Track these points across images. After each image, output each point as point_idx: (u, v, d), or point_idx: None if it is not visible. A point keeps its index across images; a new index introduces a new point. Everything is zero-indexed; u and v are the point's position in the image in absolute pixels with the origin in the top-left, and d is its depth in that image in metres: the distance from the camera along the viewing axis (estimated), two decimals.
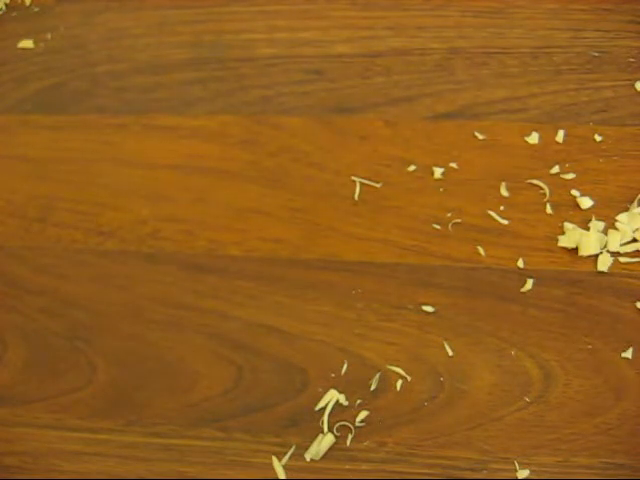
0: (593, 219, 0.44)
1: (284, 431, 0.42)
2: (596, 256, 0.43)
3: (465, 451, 0.41)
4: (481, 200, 0.46)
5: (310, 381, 0.43)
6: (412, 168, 0.47)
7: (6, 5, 0.56)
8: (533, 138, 0.47)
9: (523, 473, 0.40)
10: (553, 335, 0.42)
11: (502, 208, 0.46)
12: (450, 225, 0.46)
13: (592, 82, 0.48)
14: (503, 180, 0.46)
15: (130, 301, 0.46)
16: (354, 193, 0.47)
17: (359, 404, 0.42)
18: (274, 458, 0.42)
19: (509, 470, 0.40)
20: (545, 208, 0.45)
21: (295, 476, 0.41)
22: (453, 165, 0.47)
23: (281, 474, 0.41)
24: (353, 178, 0.47)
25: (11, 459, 0.43)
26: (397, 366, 0.43)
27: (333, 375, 0.43)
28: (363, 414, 0.42)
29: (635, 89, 0.48)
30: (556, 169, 0.46)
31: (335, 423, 0.42)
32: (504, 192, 0.46)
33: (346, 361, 0.43)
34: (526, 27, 0.50)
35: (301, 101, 0.50)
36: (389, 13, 0.52)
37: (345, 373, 0.43)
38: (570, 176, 0.46)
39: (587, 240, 0.43)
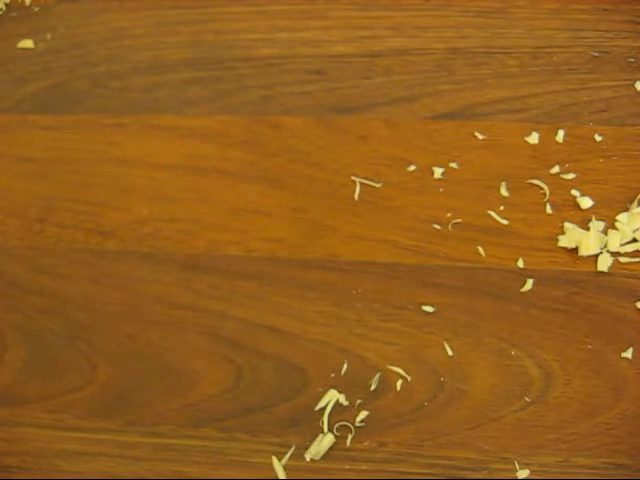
0: (593, 219, 0.44)
1: (284, 431, 0.42)
2: (596, 256, 0.43)
3: (465, 451, 0.41)
4: (481, 200, 0.46)
5: (310, 381, 0.43)
6: (412, 168, 0.47)
7: (6, 5, 0.56)
8: (533, 138, 0.47)
9: (523, 473, 0.40)
10: (553, 335, 0.42)
11: (502, 208, 0.46)
12: (450, 225, 0.46)
13: (592, 82, 0.48)
14: (503, 180, 0.46)
15: (130, 301, 0.46)
16: (354, 193, 0.47)
17: (359, 404, 0.42)
18: (274, 458, 0.42)
19: (509, 470, 0.40)
20: (545, 208, 0.45)
21: (295, 476, 0.41)
22: (453, 165, 0.47)
23: (281, 474, 0.41)
24: (353, 178, 0.47)
25: (11, 459, 0.43)
26: (397, 366, 0.43)
27: (333, 375, 0.43)
28: (363, 414, 0.42)
29: (635, 89, 0.48)
30: (556, 169, 0.46)
31: (335, 423, 0.42)
32: (504, 192, 0.46)
33: (346, 361, 0.43)
34: (526, 27, 0.50)
35: (301, 101, 0.50)
36: (389, 13, 0.52)
37: (345, 373, 0.43)
38: (570, 176, 0.46)
39: (587, 240, 0.43)
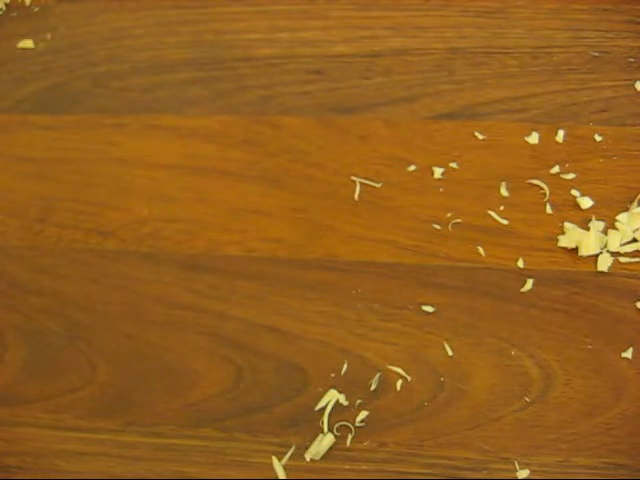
0: (593, 219, 0.44)
1: (284, 431, 0.42)
2: (596, 256, 0.43)
3: (465, 451, 0.41)
4: (481, 200, 0.46)
5: (310, 381, 0.43)
6: (412, 168, 0.47)
7: (6, 5, 0.56)
8: (533, 138, 0.47)
9: (523, 473, 0.40)
10: (553, 335, 0.42)
11: (502, 208, 0.46)
12: (450, 225, 0.46)
13: (592, 82, 0.48)
14: (503, 180, 0.46)
15: (130, 301, 0.46)
16: (354, 193, 0.47)
17: (359, 404, 0.42)
18: (274, 458, 0.42)
19: (509, 470, 0.40)
20: (545, 208, 0.45)
21: (295, 476, 0.41)
22: (453, 165, 0.47)
23: (281, 474, 0.41)
24: (353, 178, 0.47)
25: (11, 459, 0.43)
26: (397, 366, 0.43)
27: (333, 375, 0.43)
28: (363, 414, 0.42)
29: (635, 89, 0.48)
30: (556, 169, 0.46)
31: (335, 423, 0.42)
32: (504, 192, 0.46)
33: (346, 361, 0.43)
34: (526, 27, 0.50)
35: (301, 101, 0.50)
36: (389, 13, 0.52)
37: (345, 373, 0.43)
38: (570, 176, 0.46)
39: (587, 240, 0.43)
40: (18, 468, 0.43)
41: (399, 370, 0.43)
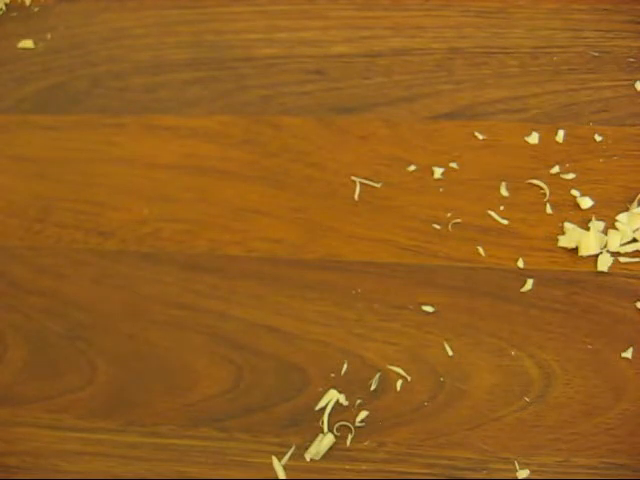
0: (593, 219, 0.44)
1: (284, 431, 0.42)
2: (596, 256, 0.43)
3: (465, 451, 0.41)
4: (481, 200, 0.46)
5: (310, 381, 0.43)
6: (412, 168, 0.47)
7: (6, 5, 0.56)
8: (533, 138, 0.47)
9: (523, 473, 0.40)
10: (553, 335, 0.42)
11: (502, 208, 0.46)
12: (450, 225, 0.46)
13: (592, 82, 0.48)
14: (503, 180, 0.46)
15: (130, 301, 0.46)
16: (354, 193, 0.47)
17: (359, 404, 0.42)
18: (274, 458, 0.42)
19: (509, 470, 0.40)
20: (545, 208, 0.45)
21: (295, 476, 0.41)
22: (453, 165, 0.47)
23: (281, 474, 0.41)
24: (353, 178, 0.47)
25: (11, 459, 0.43)
26: (397, 366, 0.43)
27: (333, 375, 0.43)
28: (363, 414, 0.42)
29: (635, 89, 0.48)
30: (556, 169, 0.46)
31: (335, 423, 0.42)
32: (504, 192, 0.46)
33: (346, 361, 0.43)
34: (526, 27, 0.50)
35: (301, 101, 0.50)
36: (389, 13, 0.52)
37: (345, 373, 0.43)
38: (570, 176, 0.46)
39: (587, 240, 0.43)
40: (18, 468, 0.43)
41: (399, 370, 0.43)
